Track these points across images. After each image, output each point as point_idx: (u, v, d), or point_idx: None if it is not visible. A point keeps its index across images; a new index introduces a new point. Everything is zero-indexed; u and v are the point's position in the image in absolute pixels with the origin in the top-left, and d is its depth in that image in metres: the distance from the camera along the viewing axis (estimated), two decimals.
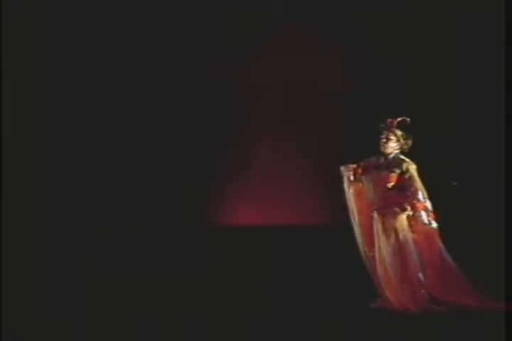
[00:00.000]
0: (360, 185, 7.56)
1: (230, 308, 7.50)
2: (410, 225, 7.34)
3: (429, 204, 7.39)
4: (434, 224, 7.40)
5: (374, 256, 7.45)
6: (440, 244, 7.36)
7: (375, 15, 9.47)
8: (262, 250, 9.00)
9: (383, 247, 7.35)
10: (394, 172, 7.41)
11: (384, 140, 7.52)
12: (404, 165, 7.45)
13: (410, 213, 7.32)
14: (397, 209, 7.34)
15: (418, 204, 7.34)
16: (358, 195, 7.56)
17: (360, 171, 7.55)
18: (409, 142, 7.58)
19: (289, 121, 9.68)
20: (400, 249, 7.31)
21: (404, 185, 7.38)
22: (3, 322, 6.63)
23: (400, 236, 7.32)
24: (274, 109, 9.70)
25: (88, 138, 9.37)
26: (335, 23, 9.54)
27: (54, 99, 9.34)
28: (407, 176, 7.40)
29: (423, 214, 7.35)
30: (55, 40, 9.31)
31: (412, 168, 7.46)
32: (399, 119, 7.58)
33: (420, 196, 7.36)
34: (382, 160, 7.59)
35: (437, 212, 7.41)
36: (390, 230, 7.33)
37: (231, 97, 9.60)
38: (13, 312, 7.03)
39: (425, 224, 7.34)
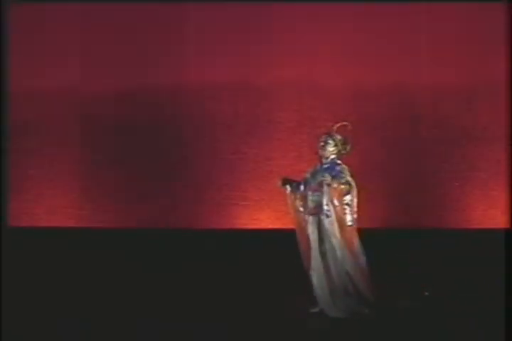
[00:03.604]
0: (298, 196, 7.56)
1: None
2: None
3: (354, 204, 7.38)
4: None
5: None
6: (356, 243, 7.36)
7: None
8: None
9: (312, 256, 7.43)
10: (325, 177, 7.33)
11: (322, 143, 7.49)
12: (338, 168, 7.40)
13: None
14: (322, 215, 7.34)
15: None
16: (302, 205, 7.56)
17: (300, 185, 7.57)
18: (348, 147, 7.54)
19: None
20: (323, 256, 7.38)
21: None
22: (3, 322, 6.87)
23: (327, 241, 7.35)
24: None
25: None
26: None
27: None
28: (343, 180, 7.34)
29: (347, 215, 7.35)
30: None
31: (346, 169, 7.43)
32: (339, 124, 7.57)
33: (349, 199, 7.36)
34: (318, 166, 7.57)
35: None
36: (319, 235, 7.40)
37: None
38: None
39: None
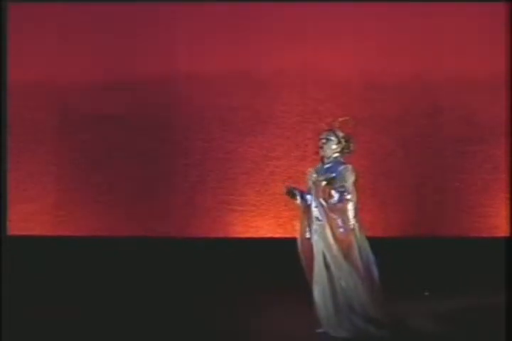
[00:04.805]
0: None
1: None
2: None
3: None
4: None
5: None
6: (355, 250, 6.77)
7: None
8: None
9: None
10: (328, 178, 6.73)
11: (323, 140, 6.92)
12: (341, 168, 6.76)
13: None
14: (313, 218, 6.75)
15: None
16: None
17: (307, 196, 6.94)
18: (351, 146, 6.95)
19: None
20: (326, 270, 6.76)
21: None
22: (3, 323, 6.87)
23: (328, 254, 6.70)
24: None
25: None
26: None
27: None
28: (336, 185, 6.73)
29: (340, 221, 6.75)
30: None
31: (351, 169, 6.81)
32: (341, 119, 6.97)
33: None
34: (319, 167, 6.92)
35: None
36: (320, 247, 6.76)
37: None
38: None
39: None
